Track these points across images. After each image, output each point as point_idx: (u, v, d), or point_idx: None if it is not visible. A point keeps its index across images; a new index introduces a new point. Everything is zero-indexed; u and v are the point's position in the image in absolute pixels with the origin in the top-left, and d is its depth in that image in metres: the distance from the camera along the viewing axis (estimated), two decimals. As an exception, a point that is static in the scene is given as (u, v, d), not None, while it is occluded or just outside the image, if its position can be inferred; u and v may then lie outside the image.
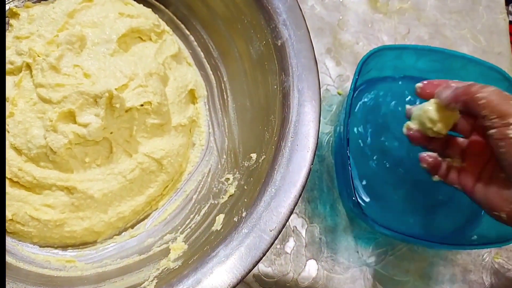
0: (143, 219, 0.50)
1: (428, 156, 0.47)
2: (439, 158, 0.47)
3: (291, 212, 0.39)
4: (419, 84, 0.46)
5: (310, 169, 0.41)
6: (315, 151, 0.42)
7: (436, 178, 0.47)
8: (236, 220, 0.40)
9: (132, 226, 0.50)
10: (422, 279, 0.58)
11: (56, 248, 0.47)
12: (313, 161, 0.41)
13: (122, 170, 0.47)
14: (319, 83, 0.44)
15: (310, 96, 0.44)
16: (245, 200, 0.42)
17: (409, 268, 0.58)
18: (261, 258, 0.37)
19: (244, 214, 0.40)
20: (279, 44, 0.46)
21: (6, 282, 0.40)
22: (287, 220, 0.39)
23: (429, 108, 0.44)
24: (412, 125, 0.47)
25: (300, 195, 0.40)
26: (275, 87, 0.46)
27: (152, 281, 0.38)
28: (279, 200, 0.39)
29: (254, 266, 0.37)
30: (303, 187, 0.40)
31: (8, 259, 0.44)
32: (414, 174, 0.58)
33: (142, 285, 0.38)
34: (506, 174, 0.37)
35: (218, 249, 0.38)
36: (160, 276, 0.39)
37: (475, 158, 0.43)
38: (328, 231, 0.58)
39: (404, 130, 0.48)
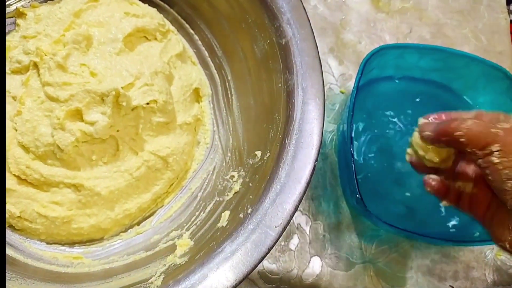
0: (149, 216, 0.51)
1: (432, 179, 0.43)
2: (446, 181, 0.43)
3: (296, 208, 0.40)
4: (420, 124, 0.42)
5: (314, 166, 0.41)
6: (319, 148, 0.42)
7: (444, 203, 0.42)
8: (242, 217, 0.40)
9: (138, 223, 0.50)
10: (425, 275, 0.58)
11: (63, 245, 0.47)
12: (317, 158, 0.41)
13: (128, 168, 0.48)
14: (323, 81, 0.45)
15: (314, 94, 0.44)
16: (250, 197, 0.42)
17: (412, 265, 0.58)
18: (266, 254, 0.38)
19: (249, 211, 0.40)
20: (283, 43, 0.46)
21: (15, 278, 0.41)
22: (292, 216, 0.39)
23: (416, 133, 0.41)
24: (410, 152, 0.43)
25: (305, 192, 0.40)
26: (280, 85, 0.46)
27: (159, 276, 0.39)
28: (284, 197, 0.40)
29: (260, 261, 0.37)
30: (308, 184, 0.40)
31: (16, 255, 0.45)
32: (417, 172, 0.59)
33: (150, 281, 0.39)
34: (500, 200, 0.36)
35: (224, 245, 0.38)
36: (167, 271, 0.40)
37: (486, 184, 0.39)
38: (332, 228, 0.58)
39: (407, 157, 0.44)
